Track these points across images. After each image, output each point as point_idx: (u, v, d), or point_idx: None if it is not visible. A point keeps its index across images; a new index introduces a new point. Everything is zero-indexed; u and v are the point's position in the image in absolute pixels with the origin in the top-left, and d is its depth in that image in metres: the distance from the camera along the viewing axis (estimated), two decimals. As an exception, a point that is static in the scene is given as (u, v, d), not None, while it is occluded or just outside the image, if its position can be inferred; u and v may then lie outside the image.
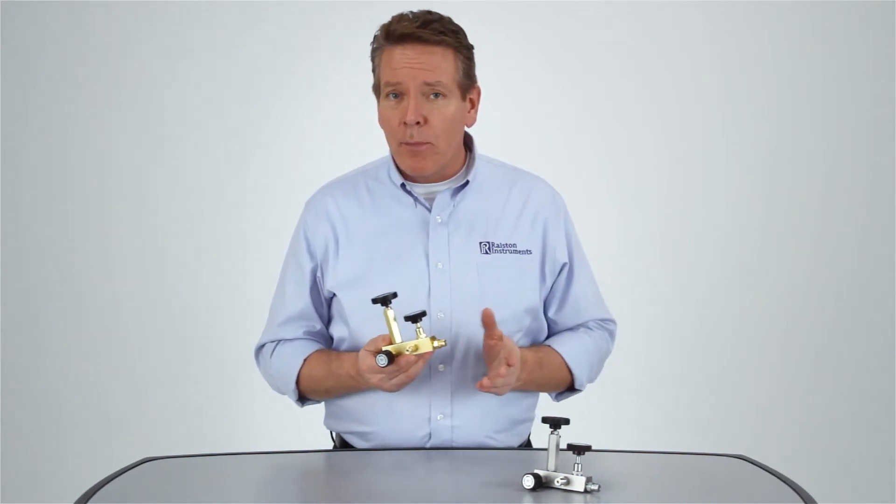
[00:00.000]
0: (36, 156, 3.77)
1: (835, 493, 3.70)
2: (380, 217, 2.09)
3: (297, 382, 2.10)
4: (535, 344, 2.13)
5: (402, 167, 2.05)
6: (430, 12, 2.02)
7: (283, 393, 2.17)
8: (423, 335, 1.87)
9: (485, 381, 1.92)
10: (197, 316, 3.80)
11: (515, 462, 1.90)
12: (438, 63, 1.99)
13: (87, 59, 3.76)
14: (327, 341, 2.16)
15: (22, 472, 3.76)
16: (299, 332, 2.13)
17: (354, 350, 2.07)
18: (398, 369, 1.88)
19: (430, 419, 2.04)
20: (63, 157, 3.78)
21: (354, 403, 2.09)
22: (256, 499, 1.78)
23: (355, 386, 2.04)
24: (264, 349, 2.17)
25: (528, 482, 1.68)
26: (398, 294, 1.88)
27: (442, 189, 2.09)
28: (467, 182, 2.10)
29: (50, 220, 3.78)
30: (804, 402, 3.87)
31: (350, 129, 3.59)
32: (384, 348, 1.88)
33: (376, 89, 2.06)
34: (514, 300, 2.07)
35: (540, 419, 1.79)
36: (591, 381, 2.19)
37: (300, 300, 2.12)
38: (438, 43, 1.98)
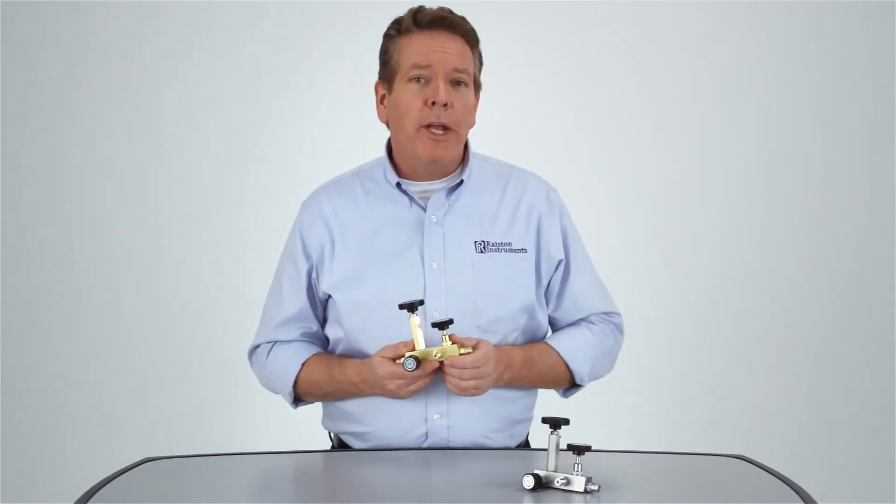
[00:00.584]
0: (36, 156, 3.77)
1: (835, 493, 3.70)
2: (375, 217, 2.09)
3: (295, 385, 2.10)
4: (532, 341, 2.13)
5: (419, 154, 2.04)
6: (444, 7, 2.08)
7: (276, 393, 2.18)
8: (448, 342, 1.91)
9: (449, 387, 1.96)
10: (197, 316, 3.80)
11: (515, 462, 1.90)
12: (464, 53, 2.04)
13: (87, 59, 3.76)
14: (323, 343, 2.16)
15: (22, 472, 3.76)
16: (296, 334, 2.13)
17: (351, 352, 2.07)
18: (420, 375, 1.92)
19: (426, 419, 2.04)
20: (63, 157, 3.78)
21: (351, 404, 2.09)
22: (256, 499, 1.78)
23: (356, 393, 2.05)
24: (259, 350, 2.17)
25: (528, 482, 1.68)
26: (407, 300, 1.91)
27: (437, 188, 2.09)
28: (462, 181, 2.10)
29: (50, 220, 3.78)
30: (804, 402, 3.87)
31: (350, 129, 3.59)
32: (410, 353, 1.90)
33: (388, 77, 2.06)
34: (509, 299, 2.07)
35: (539, 420, 1.79)
36: (596, 376, 2.18)
37: (297, 301, 2.12)
38: (464, 33, 2.04)
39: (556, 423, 1.71)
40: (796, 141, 3.87)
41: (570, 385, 2.16)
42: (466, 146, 2.13)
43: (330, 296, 2.09)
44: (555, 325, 2.18)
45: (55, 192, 3.78)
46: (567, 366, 2.11)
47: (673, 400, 3.86)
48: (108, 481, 1.75)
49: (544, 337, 2.16)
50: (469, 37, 2.05)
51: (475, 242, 2.08)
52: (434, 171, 2.09)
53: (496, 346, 2.02)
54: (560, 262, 2.14)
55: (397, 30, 2.05)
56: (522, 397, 2.12)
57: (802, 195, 3.87)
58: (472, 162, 2.12)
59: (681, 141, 3.86)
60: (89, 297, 3.79)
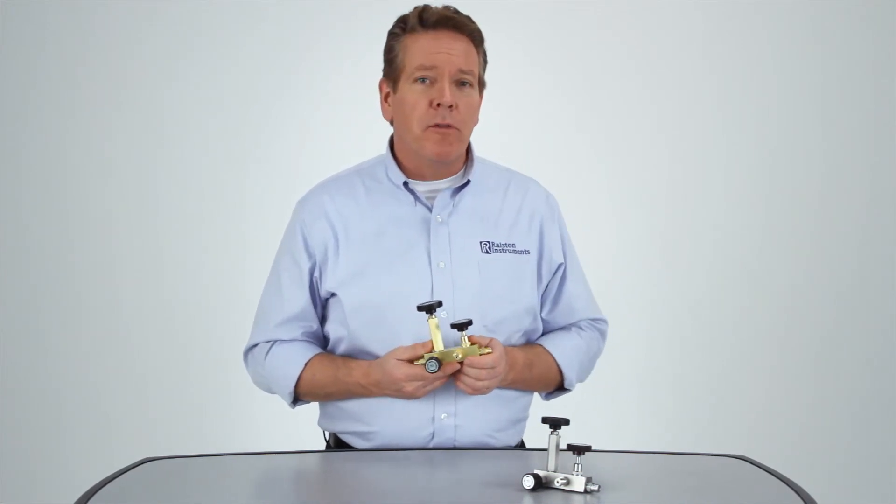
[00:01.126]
0: (36, 156, 3.77)
1: (835, 493, 3.70)
2: (378, 216, 2.09)
3: (295, 385, 2.09)
4: (528, 343, 2.13)
5: (426, 153, 2.04)
6: (449, 6, 2.07)
7: (273, 393, 2.15)
8: (467, 343, 1.92)
9: (461, 387, 1.96)
10: (197, 316, 3.79)
11: (515, 462, 1.90)
12: (469, 54, 2.04)
13: (87, 59, 3.76)
14: (323, 342, 2.15)
15: (22, 472, 3.76)
16: (297, 333, 2.11)
17: (354, 351, 2.07)
18: (440, 376, 1.93)
19: (433, 418, 2.03)
20: (63, 157, 3.78)
21: (355, 404, 2.08)
22: (256, 499, 1.78)
23: (362, 394, 2.04)
24: (256, 349, 2.15)
25: (528, 482, 1.68)
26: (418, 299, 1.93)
27: (443, 187, 2.09)
28: (468, 181, 2.10)
29: (50, 220, 3.78)
30: (804, 402, 3.87)
31: (350, 129, 3.60)
32: (430, 355, 1.91)
33: (393, 76, 2.06)
34: (514, 299, 2.08)
35: (537, 420, 1.79)
36: (580, 380, 2.20)
37: (299, 300, 2.10)
38: (470, 34, 2.04)
39: (556, 424, 1.71)
40: (796, 141, 3.87)
41: (555, 388, 2.17)
42: (470, 147, 2.13)
43: (333, 294, 2.08)
44: (546, 328, 2.18)
45: (55, 192, 3.78)
46: (560, 369, 2.12)
47: (673, 400, 3.86)
48: (108, 481, 1.75)
49: (537, 339, 2.16)
50: (474, 36, 2.05)
51: (480, 243, 2.08)
52: (439, 170, 2.09)
53: None
54: (560, 265, 2.15)
55: (402, 28, 2.05)
56: (521, 396, 2.13)
57: (802, 195, 3.87)
58: (475, 163, 2.12)
59: (681, 141, 3.86)
60: (89, 297, 3.79)
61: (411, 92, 2.02)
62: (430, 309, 1.90)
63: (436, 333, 1.91)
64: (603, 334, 2.23)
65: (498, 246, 2.09)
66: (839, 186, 3.87)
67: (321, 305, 2.12)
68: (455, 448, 2.04)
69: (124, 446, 3.43)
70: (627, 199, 3.86)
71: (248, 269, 3.65)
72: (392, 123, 2.12)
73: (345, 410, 2.11)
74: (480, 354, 1.91)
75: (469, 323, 1.91)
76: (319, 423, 2.20)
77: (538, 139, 3.79)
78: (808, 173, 3.86)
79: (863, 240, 3.86)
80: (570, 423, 1.73)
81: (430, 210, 2.08)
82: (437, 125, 2.01)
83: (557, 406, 2.14)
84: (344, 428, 2.12)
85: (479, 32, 2.07)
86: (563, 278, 2.16)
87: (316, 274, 2.10)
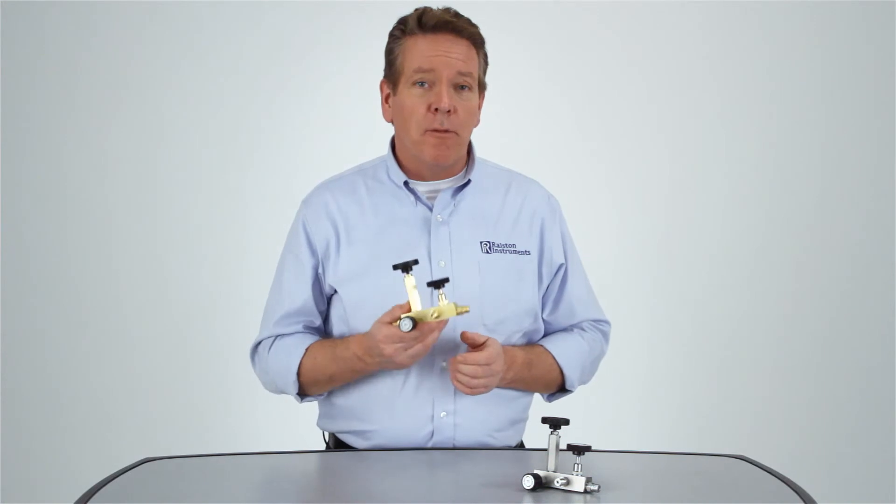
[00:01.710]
0: (36, 156, 3.77)
1: (835, 493, 3.70)
2: (379, 215, 2.09)
3: (299, 374, 2.07)
4: (529, 343, 2.13)
5: (424, 156, 2.04)
6: (450, 8, 2.07)
7: (280, 390, 2.14)
8: (444, 301, 1.85)
9: (457, 386, 1.95)
10: (197, 316, 3.80)
11: (515, 462, 1.90)
12: (469, 57, 2.03)
13: (87, 59, 3.76)
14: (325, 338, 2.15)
15: (22, 472, 3.76)
16: (298, 328, 2.12)
17: None
18: (418, 337, 1.87)
19: (433, 417, 2.03)
20: (63, 158, 3.78)
21: (354, 402, 2.09)
22: (256, 499, 1.78)
23: (362, 369, 2.02)
24: (261, 346, 2.15)
25: (528, 482, 1.68)
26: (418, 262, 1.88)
27: (444, 187, 2.10)
28: (468, 181, 2.10)
29: (50, 220, 3.78)
30: (804, 402, 3.88)
31: (350, 129, 3.61)
32: (405, 315, 1.85)
33: (393, 78, 2.06)
34: (515, 299, 2.08)
35: (537, 420, 1.79)
36: (582, 382, 2.19)
37: (300, 296, 2.10)
38: (470, 36, 2.03)
39: (556, 424, 1.71)
40: (797, 141, 3.87)
41: (557, 389, 2.16)
42: (471, 147, 2.14)
43: (335, 291, 2.08)
44: (547, 329, 2.18)
45: (55, 192, 3.78)
46: (561, 370, 2.12)
47: (673, 400, 3.86)
48: (108, 481, 1.75)
49: (539, 340, 2.16)
50: (474, 39, 2.04)
51: (481, 243, 2.08)
52: (439, 171, 2.09)
53: None
54: (561, 266, 2.15)
55: (402, 30, 2.05)
56: (521, 397, 2.13)
57: (803, 196, 3.87)
58: (476, 164, 2.12)
59: (681, 142, 3.86)
60: (89, 298, 3.79)
61: (410, 95, 2.02)
62: (405, 267, 1.85)
63: (412, 293, 1.86)
64: (605, 336, 2.23)
65: (498, 246, 2.09)
66: (840, 187, 3.87)
67: (326, 302, 2.12)
68: (455, 448, 2.04)
69: (124, 446, 3.43)
70: (628, 200, 3.86)
71: (248, 270, 3.67)
72: (392, 123, 2.12)
73: (344, 409, 2.11)
74: (458, 313, 1.85)
75: (445, 280, 1.86)
76: (318, 424, 2.19)
77: (539, 140, 3.79)
78: (808, 174, 3.87)
79: (863, 240, 3.86)
80: (570, 423, 1.73)
81: (430, 210, 2.08)
82: (434, 130, 2.01)
83: (558, 406, 2.15)
84: (343, 427, 2.12)
85: (480, 35, 2.06)
86: (565, 279, 2.16)
87: (320, 271, 2.10)
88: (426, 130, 2.02)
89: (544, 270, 2.13)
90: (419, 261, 1.89)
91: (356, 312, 2.05)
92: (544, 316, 2.16)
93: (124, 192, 3.79)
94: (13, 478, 3.74)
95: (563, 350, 2.13)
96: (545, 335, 2.17)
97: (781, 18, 3.84)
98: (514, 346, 2.08)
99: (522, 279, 2.09)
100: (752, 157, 3.87)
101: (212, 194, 3.79)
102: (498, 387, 2.02)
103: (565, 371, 2.12)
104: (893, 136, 3.84)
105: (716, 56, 3.85)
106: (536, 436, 2.15)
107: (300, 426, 2.61)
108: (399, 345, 1.89)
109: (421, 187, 2.10)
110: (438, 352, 2.01)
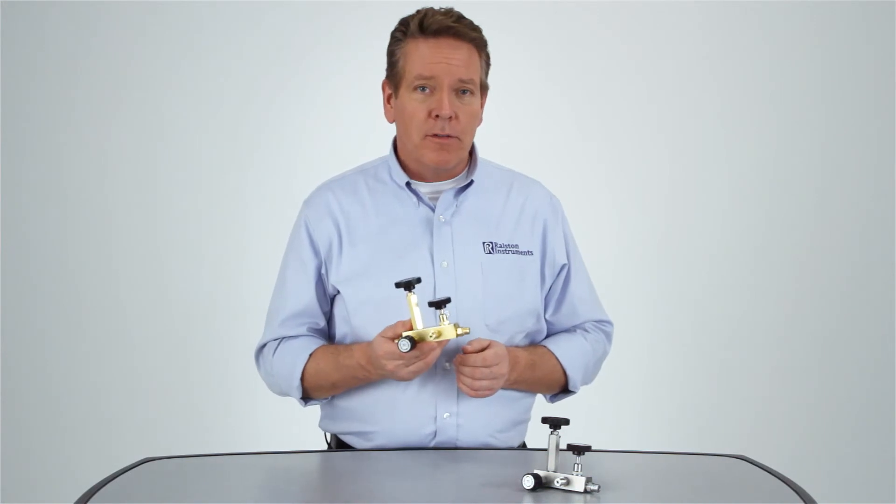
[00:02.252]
0: (36, 156, 3.77)
1: (835, 493, 3.70)
2: (381, 215, 2.09)
3: (302, 379, 2.07)
4: (532, 344, 2.13)
5: (426, 161, 2.04)
6: (453, 9, 2.05)
7: (284, 393, 2.14)
8: (446, 321, 1.85)
9: (462, 388, 1.95)
10: (197, 316, 3.79)
11: (515, 462, 1.90)
12: (470, 61, 2.02)
13: (87, 59, 3.76)
14: (329, 340, 2.15)
15: (22, 472, 3.76)
16: (303, 329, 2.11)
17: None
18: (418, 356, 1.87)
19: (435, 417, 2.03)
20: (63, 157, 3.78)
21: (356, 403, 2.08)
22: (256, 499, 1.78)
23: (365, 377, 2.02)
24: (266, 349, 2.14)
25: (528, 482, 1.68)
26: (420, 281, 1.88)
27: (447, 188, 2.10)
28: (471, 182, 2.10)
29: (50, 220, 3.78)
30: (804, 402, 3.87)
31: (350, 129, 3.61)
32: (406, 333, 1.86)
33: (395, 81, 2.05)
34: (517, 300, 2.07)
35: (538, 420, 1.79)
36: (586, 383, 2.19)
37: (304, 297, 2.10)
38: (471, 40, 2.02)
39: (556, 424, 1.71)
40: (797, 141, 3.87)
41: (560, 390, 2.16)
42: (473, 148, 2.13)
43: (337, 292, 2.08)
44: (550, 330, 2.18)
45: (55, 192, 3.78)
46: (564, 371, 2.11)
47: (673, 400, 3.86)
48: (108, 481, 1.75)
49: (542, 341, 2.16)
50: (476, 43, 2.03)
51: (483, 243, 2.08)
52: (441, 172, 2.09)
53: None
54: (563, 266, 2.15)
55: (403, 32, 2.04)
56: (524, 398, 2.13)
57: (802, 195, 3.87)
58: (479, 164, 2.12)
59: (682, 142, 3.86)
60: (89, 298, 3.79)
61: (411, 100, 2.02)
62: (407, 285, 1.85)
63: (414, 311, 1.86)
64: (608, 336, 2.22)
65: (501, 246, 2.09)
66: (840, 187, 3.87)
67: (329, 302, 2.12)
68: (455, 448, 2.04)
69: (124, 446, 3.42)
70: (628, 200, 3.86)
71: (248, 270, 3.67)
72: (395, 124, 2.12)
73: (346, 410, 2.11)
74: (458, 334, 1.85)
75: (447, 301, 1.86)
76: (320, 425, 2.19)
77: (539, 140, 3.79)
78: (808, 174, 3.86)
79: (863, 240, 3.86)
80: (571, 423, 1.73)
81: (433, 210, 2.08)
82: (436, 135, 2.01)
83: (558, 406, 2.15)
84: (345, 428, 2.12)
85: (482, 39, 2.05)
86: (567, 280, 2.16)
87: (323, 271, 2.10)
88: (427, 135, 2.01)
89: (547, 271, 2.13)
90: (422, 280, 1.90)
91: (358, 312, 2.05)
92: (547, 316, 2.16)
93: (124, 192, 3.79)
94: (13, 478, 3.74)
95: (566, 351, 2.12)
96: (548, 336, 2.17)
97: (781, 18, 3.84)
98: (516, 346, 2.08)
99: (525, 279, 2.09)
100: (752, 157, 3.87)
101: (212, 194, 3.79)
102: (501, 388, 2.02)
103: (568, 372, 2.11)
104: (893, 136, 3.84)
105: (716, 56, 3.85)
106: (536, 436, 2.15)
107: (300, 426, 2.61)
108: (399, 362, 1.89)
109: (423, 188, 2.10)
110: (442, 354, 2.00)
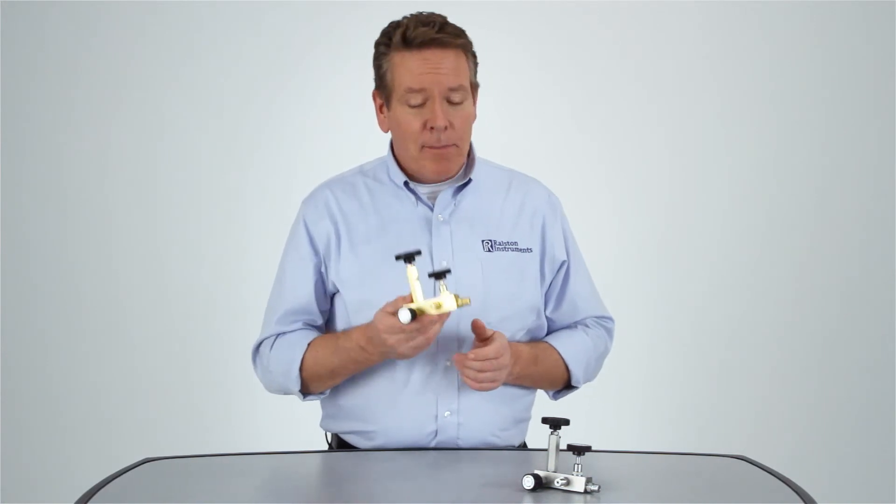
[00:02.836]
0: (36, 156, 3.77)
1: (835, 493, 3.70)
2: (380, 215, 2.09)
3: (301, 370, 2.06)
4: (534, 340, 2.13)
5: (426, 172, 2.05)
6: (434, 14, 2.03)
7: (282, 388, 2.12)
8: (446, 292, 1.83)
9: (466, 381, 1.94)
10: (197, 316, 3.79)
11: (516, 462, 1.90)
12: (458, 67, 2.01)
13: (87, 59, 3.76)
14: (327, 337, 2.15)
15: (22, 472, 3.76)
16: (300, 325, 2.11)
17: None
18: (419, 328, 1.85)
19: (436, 416, 2.03)
20: (63, 157, 3.78)
21: (357, 401, 2.08)
22: (256, 499, 1.78)
23: (365, 359, 2.00)
24: (263, 345, 2.14)
25: (528, 483, 1.68)
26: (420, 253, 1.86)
27: (444, 187, 2.10)
28: (469, 181, 2.10)
29: (50, 220, 3.78)
30: (804, 402, 3.87)
31: (350, 130, 3.59)
32: (406, 306, 1.83)
33: (385, 93, 2.04)
34: (517, 298, 2.07)
35: (538, 420, 1.78)
36: (588, 379, 2.18)
37: (302, 294, 2.10)
38: (456, 46, 2.00)
39: (556, 424, 1.71)
40: (797, 141, 3.87)
41: (563, 386, 2.16)
42: (471, 146, 2.13)
43: (336, 291, 2.08)
44: (551, 327, 2.18)
45: (55, 192, 3.78)
46: (566, 367, 2.11)
47: (673, 400, 3.86)
48: (108, 481, 1.75)
49: (543, 338, 2.16)
50: (462, 47, 2.02)
51: (482, 241, 2.08)
52: (439, 176, 2.09)
53: None
54: (563, 263, 2.15)
55: (387, 45, 2.02)
56: (525, 395, 2.13)
57: (803, 196, 3.87)
58: (476, 163, 2.12)
59: (681, 141, 3.86)
60: (89, 297, 3.79)
61: (404, 114, 2.01)
62: (408, 258, 1.83)
63: (414, 284, 1.84)
64: (610, 332, 2.22)
65: (500, 244, 2.09)
66: (839, 187, 3.87)
67: (327, 302, 2.12)
68: (455, 448, 2.04)
69: (124, 446, 3.41)
70: (627, 199, 3.86)
71: (248, 270, 3.67)
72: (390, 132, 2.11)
73: (347, 409, 2.10)
74: (459, 305, 1.82)
75: (447, 271, 1.84)
76: (321, 425, 2.19)
77: (539, 140, 3.79)
78: (809, 173, 3.86)
79: (863, 240, 3.86)
80: (571, 423, 1.73)
81: (431, 210, 2.08)
82: (432, 146, 2.01)
83: (558, 406, 2.14)
84: (346, 428, 2.12)
85: (467, 42, 2.03)
86: (567, 276, 2.16)
87: (322, 269, 2.10)
88: (424, 146, 2.01)
89: (546, 268, 2.13)
90: (422, 252, 1.87)
91: (358, 314, 2.04)
92: (547, 313, 2.16)
93: (124, 192, 3.79)
94: (13, 478, 3.74)
95: (568, 346, 2.12)
96: (549, 333, 2.17)
97: (781, 18, 3.84)
98: (518, 342, 2.08)
99: (525, 277, 2.09)
100: (752, 157, 3.87)
101: (212, 194, 3.79)
102: (504, 382, 2.02)
103: (570, 367, 2.11)
104: (893, 136, 3.83)
105: (716, 56, 3.85)
106: (537, 436, 2.15)
107: (301, 426, 2.61)
108: (400, 335, 1.87)
109: (421, 188, 2.10)
110: (442, 350, 2.01)
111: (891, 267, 3.84)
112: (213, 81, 3.78)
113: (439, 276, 1.83)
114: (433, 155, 2.02)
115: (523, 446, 2.17)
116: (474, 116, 2.09)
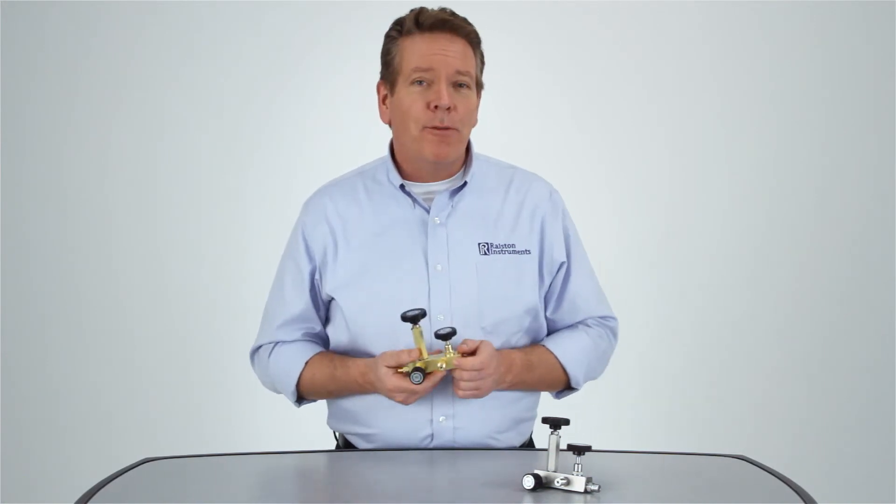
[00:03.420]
0: (36, 156, 3.77)
1: (835, 493, 3.70)
2: (378, 218, 2.09)
3: (298, 385, 2.10)
4: (532, 343, 2.13)
5: (425, 154, 2.03)
6: (446, 8, 2.07)
7: (278, 393, 2.18)
8: (451, 352, 1.90)
9: (456, 391, 1.96)
10: (197, 316, 3.80)
11: (516, 462, 1.90)
12: (466, 55, 2.03)
13: (87, 59, 3.76)
14: (326, 343, 2.15)
15: (22, 472, 3.76)
16: (298, 335, 2.13)
17: (356, 353, 2.07)
18: (427, 387, 1.93)
19: (431, 420, 2.04)
20: (63, 158, 3.78)
21: (355, 405, 2.09)
22: (256, 499, 1.78)
23: (361, 391, 2.05)
24: (261, 351, 2.16)
25: (528, 482, 1.68)
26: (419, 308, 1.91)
27: (441, 189, 2.09)
28: (465, 183, 2.10)
29: (50, 220, 3.78)
30: (804, 402, 3.87)
31: (350, 130, 3.60)
32: (417, 365, 1.90)
33: (391, 79, 2.05)
34: (513, 301, 2.07)
35: (539, 420, 1.79)
36: (590, 378, 2.18)
37: (300, 302, 2.11)
38: (466, 35, 2.03)
39: (556, 424, 1.71)
40: (798, 140, 3.87)
41: (564, 387, 2.16)
42: (469, 147, 2.13)
43: (333, 298, 2.08)
44: (551, 327, 2.17)
45: (55, 192, 3.78)
46: (564, 369, 2.11)
47: (673, 400, 3.86)
48: (108, 481, 1.75)
49: (542, 339, 2.16)
50: (471, 38, 2.04)
51: (479, 244, 2.07)
52: (438, 172, 2.08)
53: (499, 348, 2.02)
54: (562, 264, 2.14)
55: (399, 31, 2.05)
56: (525, 396, 2.12)
57: (803, 195, 3.87)
58: (474, 163, 2.12)
59: (681, 140, 3.86)
60: (89, 297, 3.79)
61: (408, 94, 2.02)
62: (413, 319, 1.89)
63: (420, 342, 1.90)
64: (613, 332, 2.21)
65: (497, 247, 2.08)
66: (839, 187, 3.87)
67: (324, 308, 2.13)
68: (456, 448, 2.04)
69: (124, 446, 3.43)
70: (628, 199, 3.86)
71: (248, 270, 3.67)
72: (390, 125, 2.11)
73: (347, 411, 2.11)
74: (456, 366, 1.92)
75: (453, 332, 1.90)
76: (328, 423, 2.21)
77: (539, 140, 3.79)
78: (808, 174, 3.87)
79: (863, 240, 3.86)
80: (571, 423, 1.73)
81: (428, 212, 2.08)
82: (434, 127, 2.01)
83: (558, 406, 2.14)
84: (347, 429, 2.13)
85: (476, 34, 2.06)
86: (567, 276, 2.15)
87: (316, 277, 2.11)
88: (425, 127, 2.01)
89: (545, 269, 2.12)
90: (427, 313, 1.92)
91: (357, 319, 2.05)
92: (547, 314, 2.15)
93: (124, 192, 3.79)
94: (13, 478, 3.74)
95: (566, 349, 2.11)
96: (549, 333, 2.16)
97: (781, 18, 3.84)
98: (513, 348, 2.07)
99: (521, 279, 2.08)
100: (752, 157, 3.87)
101: (212, 194, 3.79)
102: (499, 390, 2.02)
103: (569, 370, 2.11)
104: (893, 136, 3.84)
105: (716, 56, 3.85)
106: (537, 436, 2.16)
107: (301, 426, 2.61)
108: (409, 394, 1.94)
109: (417, 189, 2.09)
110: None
111: (891, 267, 3.84)
112: (213, 81, 3.78)
113: (445, 337, 1.90)
114: (433, 136, 2.01)
115: (530, 444, 2.17)
116: (476, 118, 2.09)
